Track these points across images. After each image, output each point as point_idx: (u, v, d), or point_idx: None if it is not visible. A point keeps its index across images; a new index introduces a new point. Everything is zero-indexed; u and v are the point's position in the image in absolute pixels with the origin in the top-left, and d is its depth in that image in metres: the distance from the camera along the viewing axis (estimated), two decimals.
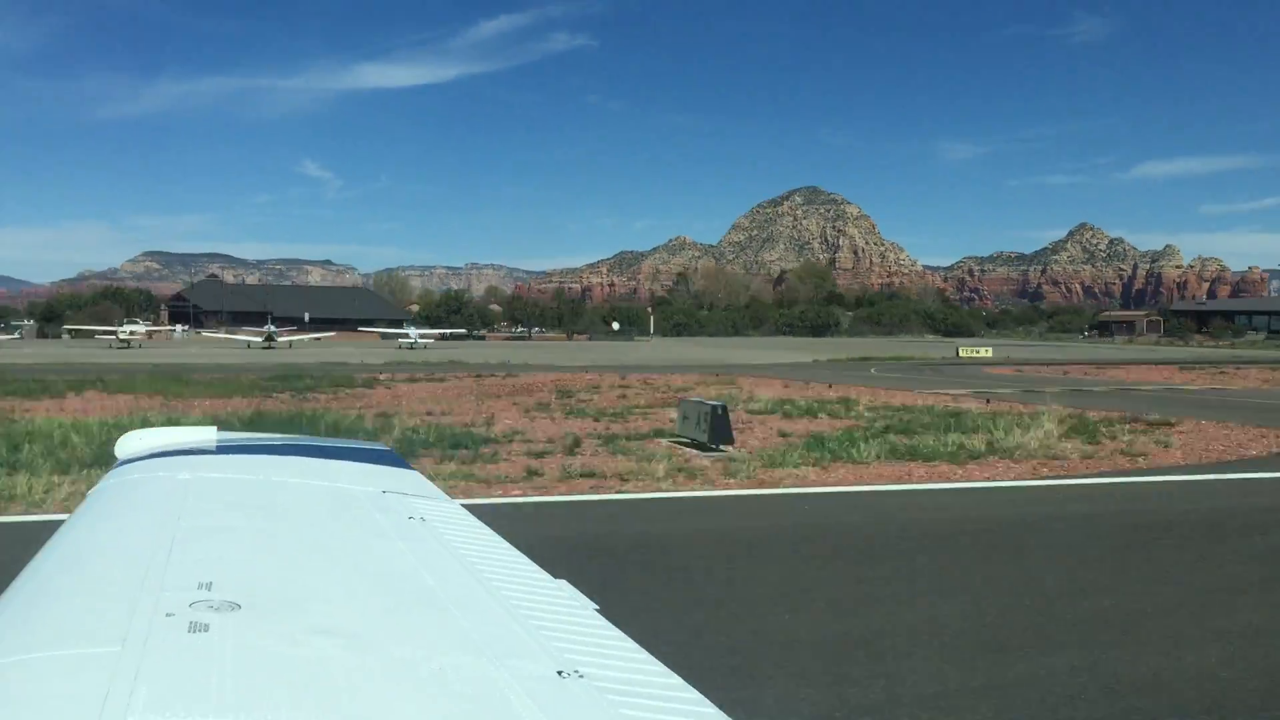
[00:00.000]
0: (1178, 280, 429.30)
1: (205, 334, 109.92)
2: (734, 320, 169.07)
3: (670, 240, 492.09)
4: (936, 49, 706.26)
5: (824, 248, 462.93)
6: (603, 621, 2.39)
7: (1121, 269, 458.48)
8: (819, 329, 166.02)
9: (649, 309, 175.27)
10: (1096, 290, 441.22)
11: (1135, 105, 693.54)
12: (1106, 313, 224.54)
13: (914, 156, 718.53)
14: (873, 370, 54.54)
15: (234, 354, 72.04)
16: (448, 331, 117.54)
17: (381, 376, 41.14)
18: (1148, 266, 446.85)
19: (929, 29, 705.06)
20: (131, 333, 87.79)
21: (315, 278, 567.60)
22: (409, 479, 3.97)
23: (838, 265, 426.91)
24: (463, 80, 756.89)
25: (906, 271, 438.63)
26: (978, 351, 79.74)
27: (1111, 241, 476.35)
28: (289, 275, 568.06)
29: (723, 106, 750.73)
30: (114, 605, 2.02)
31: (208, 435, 4.33)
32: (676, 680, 2.03)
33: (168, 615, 1.95)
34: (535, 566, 2.81)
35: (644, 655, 2.15)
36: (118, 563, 2.42)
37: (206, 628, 1.91)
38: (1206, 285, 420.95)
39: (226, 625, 1.94)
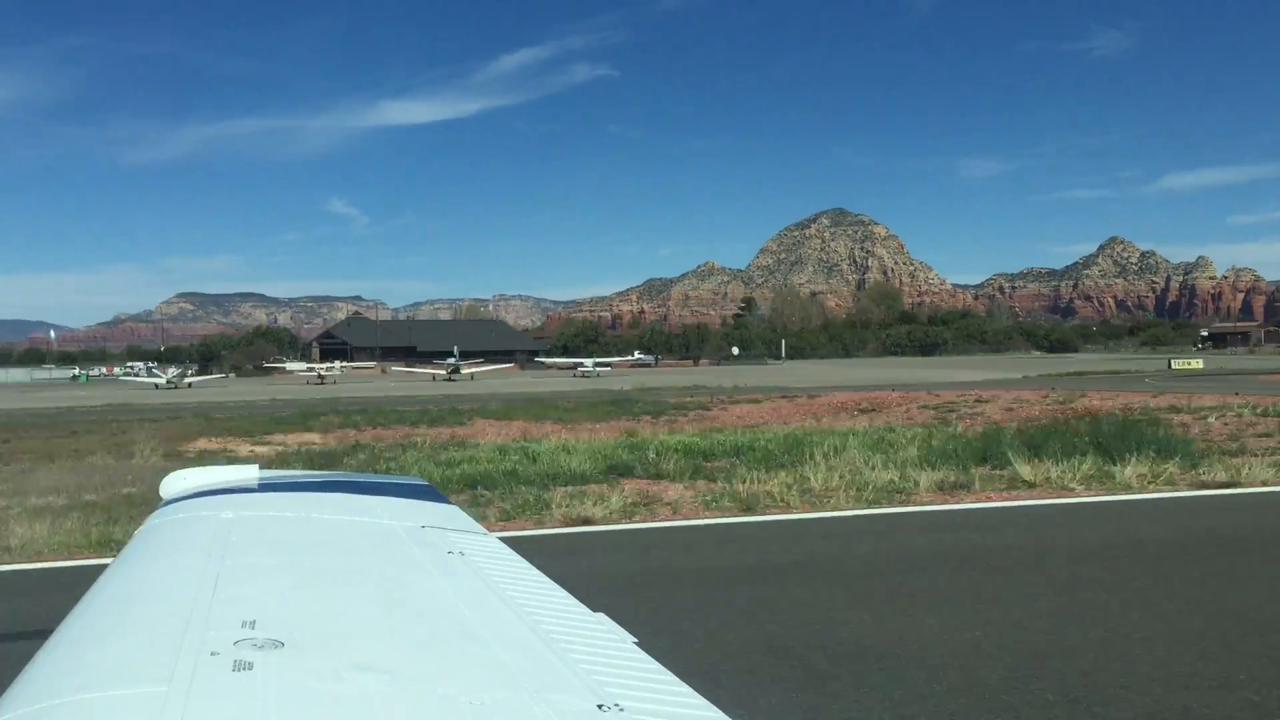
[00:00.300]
0: (1212, 292, 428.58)
1: (396, 369, 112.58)
2: (842, 342, 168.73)
3: (699, 266, 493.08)
4: (955, 66, 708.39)
5: (853, 269, 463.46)
6: (643, 655, 2.39)
7: (1154, 281, 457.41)
8: (927, 348, 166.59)
9: (766, 328, 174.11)
10: (1129, 304, 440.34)
11: (1157, 117, 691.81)
12: (1219, 324, 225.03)
13: (937, 174, 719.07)
14: (1146, 380, 54.19)
15: (434, 387, 74.72)
16: (638, 358, 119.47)
17: (690, 400, 42.59)
18: (1180, 279, 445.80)
19: (946, 46, 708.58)
20: (329, 369, 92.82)
21: (344, 313, 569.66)
22: (447, 513, 4.01)
23: (867, 286, 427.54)
24: (485, 114, 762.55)
25: (937, 290, 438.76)
26: (1190, 364, 78.65)
27: (1143, 254, 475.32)
28: (319, 312, 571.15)
29: (744, 131, 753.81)
30: (160, 645, 2.04)
31: (249, 474, 4.40)
32: (718, 714, 2.02)
33: (212, 654, 1.98)
34: (573, 600, 2.83)
35: (685, 689, 2.16)
36: (163, 602, 2.44)
37: (251, 666, 1.93)
38: (1241, 296, 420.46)
39: (270, 663, 1.95)
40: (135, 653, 2.06)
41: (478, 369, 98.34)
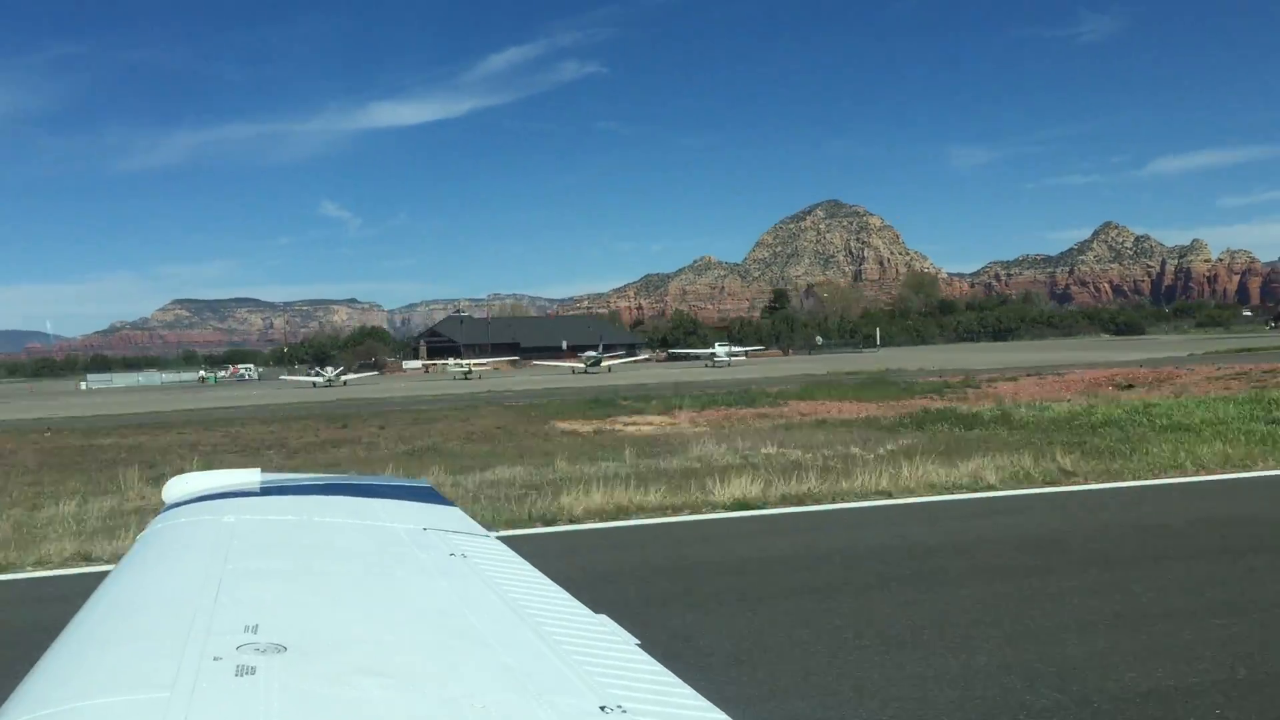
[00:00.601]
0: (1208, 274, 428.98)
1: (536, 363, 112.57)
2: (917, 329, 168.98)
3: (695, 260, 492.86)
4: (944, 55, 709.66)
5: (849, 260, 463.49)
6: (645, 656, 2.39)
7: (1150, 266, 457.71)
8: (1000, 334, 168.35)
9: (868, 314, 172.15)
10: (1125, 289, 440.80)
11: (1145, 102, 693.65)
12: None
13: (929, 164, 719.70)
14: None
15: (571, 379, 75.06)
16: (754, 349, 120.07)
17: (947, 381, 43.95)
18: (1176, 262, 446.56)
19: (934, 35, 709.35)
20: (472, 366, 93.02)
21: (342, 316, 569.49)
22: (449, 515, 4.00)
23: (863, 277, 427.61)
24: (475, 114, 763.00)
25: (933, 280, 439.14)
26: None
27: (1138, 239, 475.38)
28: (315, 315, 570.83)
29: (735, 125, 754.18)
30: (163, 650, 2.04)
31: (251, 477, 4.39)
32: (720, 715, 2.02)
33: (215, 659, 1.97)
34: (576, 601, 2.82)
35: (687, 690, 2.16)
36: (166, 607, 2.44)
37: (253, 670, 1.92)
38: (1237, 278, 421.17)
39: (273, 667, 1.95)
40: (138, 658, 2.06)
41: (615, 361, 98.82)
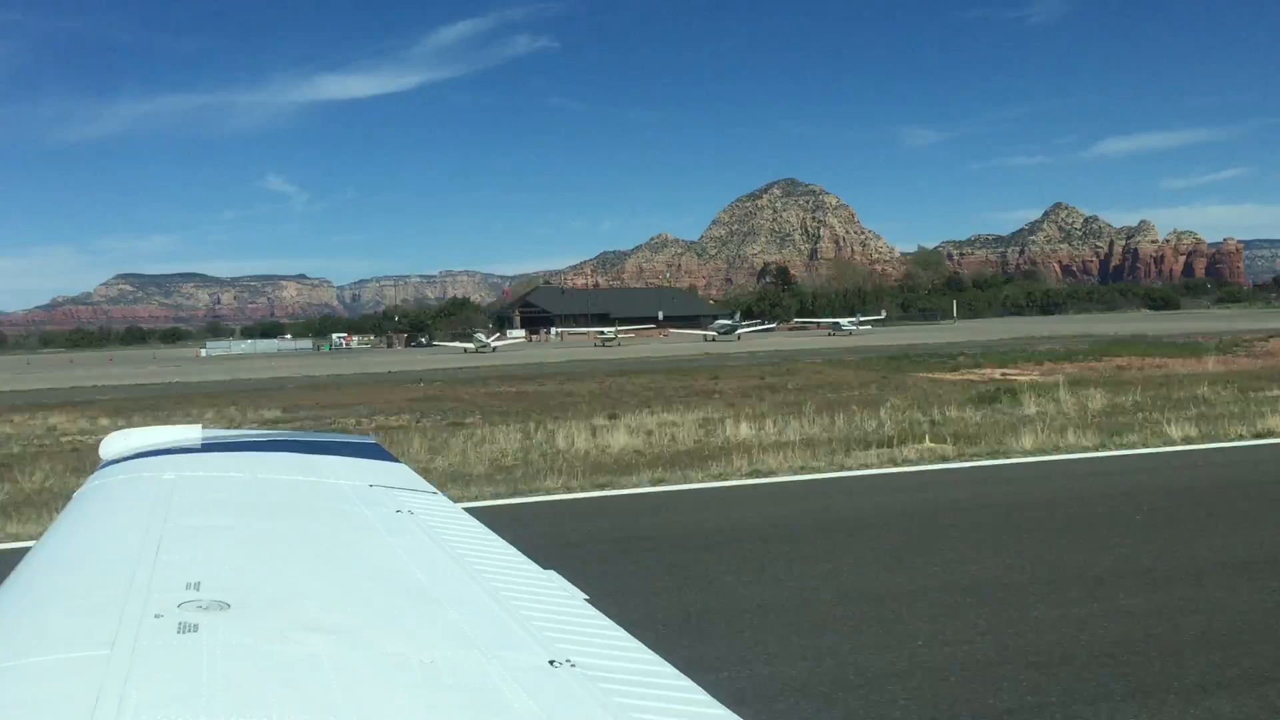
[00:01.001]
0: (1154, 255, 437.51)
1: (673, 332, 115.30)
2: (968, 302, 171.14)
3: (652, 238, 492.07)
4: (894, 34, 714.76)
5: (805, 239, 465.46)
6: (593, 611, 2.39)
7: (1098, 246, 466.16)
8: (1047, 308, 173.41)
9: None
10: (1074, 269, 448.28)
11: (1092, 84, 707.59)
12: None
13: (881, 144, 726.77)
14: None
15: (707, 347, 77.87)
16: (877, 318, 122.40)
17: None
18: (1124, 243, 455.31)
19: (886, 15, 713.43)
20: (616, 333, 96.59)
21: (291, 292, 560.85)
22: (396, 472, 3.95)
23: (819, 255, 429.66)
24: (425, 88, 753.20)
25: (887, 258, 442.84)
26: None
27: (1087, 219, 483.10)
28: (264, 291, 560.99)
29: (689, 103, 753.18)
30: (102, 608, 2.00)
31: (192, 434, 4.28)
32: (669, 668, 2.03)
33: (156, 616, 1.93)
34: (524, 557, 2.80)
35: (635, 644, 2.17)
36: (105, 565, 2.39)
37: (196, 628, 1.89)
38: (1183, 259, 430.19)
39: (216, 625, 1.92)
40: (76, 616, 1.98)
41: (746, 330, 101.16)
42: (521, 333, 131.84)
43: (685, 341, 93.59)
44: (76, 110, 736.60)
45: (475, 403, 32.00)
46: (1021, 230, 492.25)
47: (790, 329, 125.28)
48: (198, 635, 1.85)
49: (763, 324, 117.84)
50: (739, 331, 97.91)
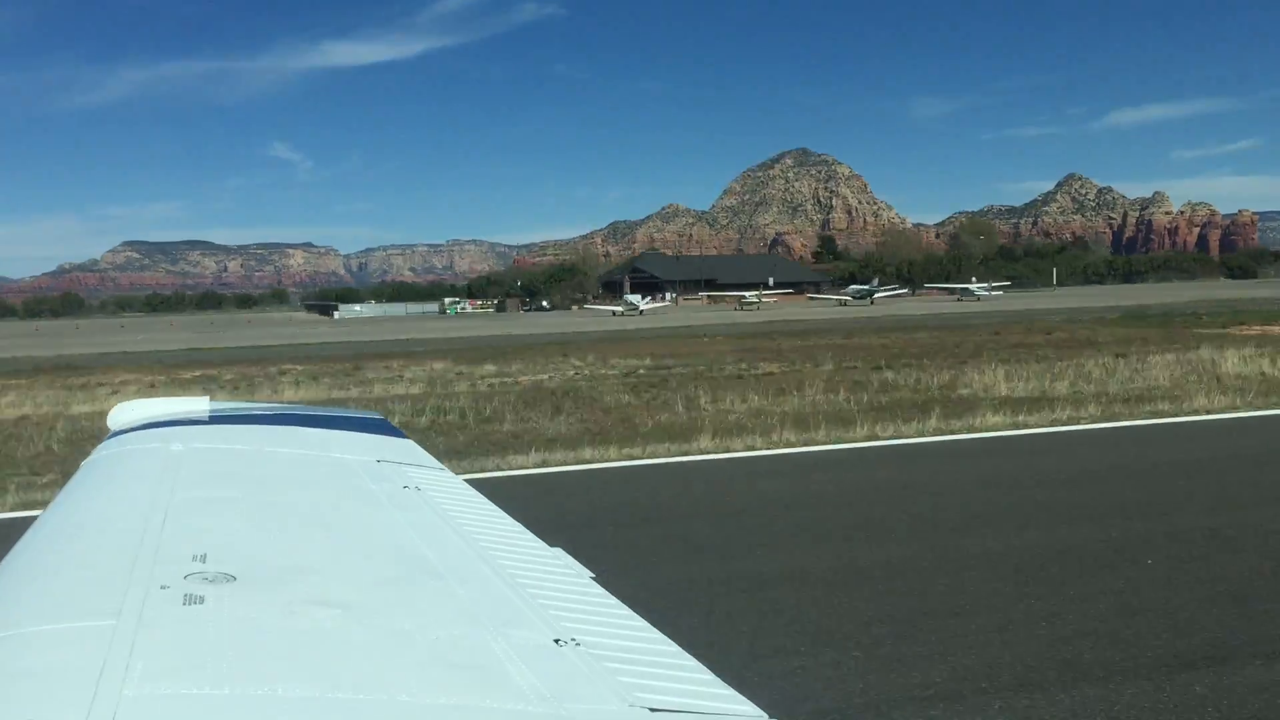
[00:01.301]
0: (1168, 226, 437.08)
1: (811, 297, 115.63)
2: (1047, 269, 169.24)
3: (663, 208, 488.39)
4: (904, 3, 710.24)
5: (817, 209, 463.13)
6: (599, 590, 2.39)
7: (1111, 217, 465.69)
8: (1128, 276, 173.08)
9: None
10: (1088, 240, 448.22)
11: (1103, 54, 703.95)
12: None
13: (893, 115, 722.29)
14: None
15: (842, 311, 79.32)
16: (1002, 284, 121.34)
17: None
18: (1137, 214, 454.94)
19: None
20: (759, 297, 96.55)
21: (298, 260, 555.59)
22: (403, 448, 3.90)
23: (831, 225, 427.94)
24: (430, 55, 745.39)
25: (900, 229, 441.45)
26: None
27: (1100, 190, 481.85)
28: (271, 259, 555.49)
29: (699, 72, 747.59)
30: (109, 579, 2.00)
31: (200, 405, 4.23)
32: (673, 647, 2.03)
33: (163, 588, 1.94)
34: (531, 535, 2.79)
35: (640, 622, 2.17)
36: (111, 536, 2.37)
37: (202, 600, 1.89)
38: (1198, 230, 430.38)
39: (222, 597, 1.92)
40: (82, 586, 1.99)
41: (881, 294, 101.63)
42: (669, 296, 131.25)
43: (819, 306, 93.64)
44: (80, 77, 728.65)
45: (815, 355, 31.18)
46: (1035, 201, 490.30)
47: (927, 294, 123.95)
48: (204, 607, 1.84)
49: (896, 289, 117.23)
50: (875, 296, 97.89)
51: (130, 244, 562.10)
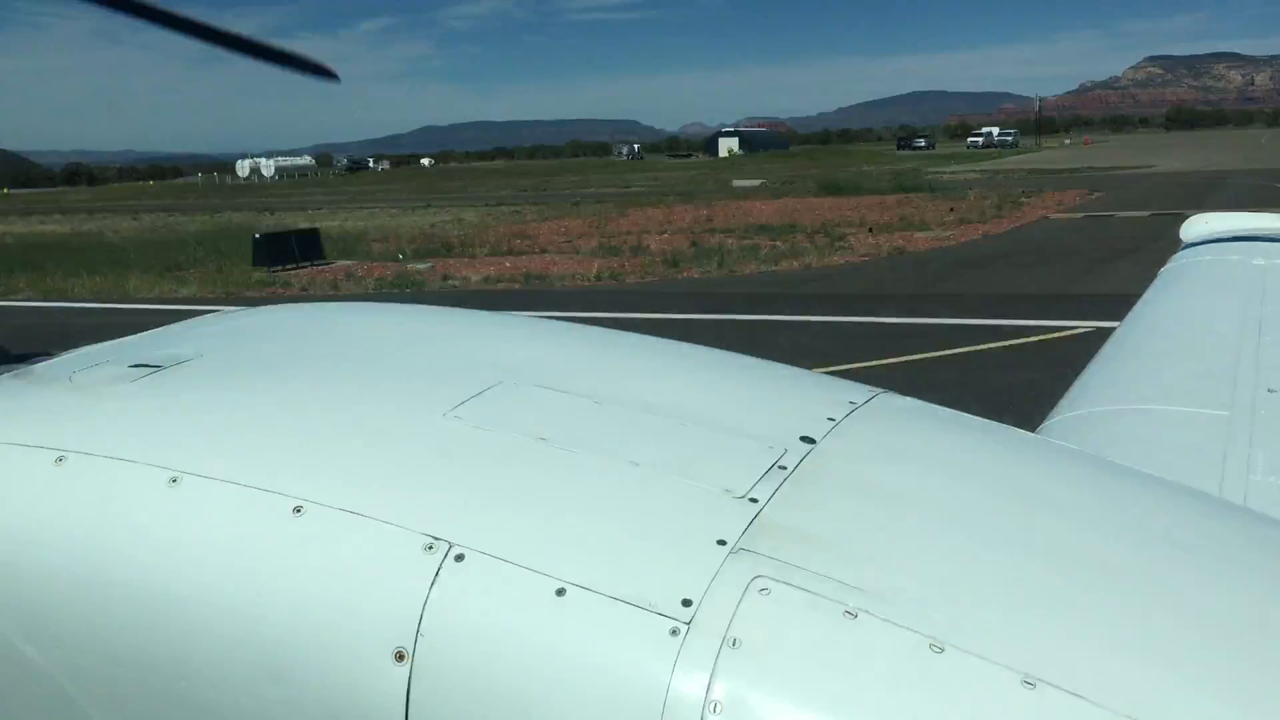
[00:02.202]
0: None
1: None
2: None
3: None
4: None
5: None
6: None
7: None
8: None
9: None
10: None
11: None
12: None
13: None
14: None
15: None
16: None
17: None
18: None
19: None
20: None
21: None
22: None
23: None
24: None
25: None
26: None
27: None
28: None
29: None
30: (1211, 374, 2.12)
31: (1276, 223, 3.97)
32: None
33: (1269, 391, 1.99)
34: None
35: None
36: (1202, 337, 2.52)
37: None
38: None
39: None
40: (1189, 377, 2.15)
41: None
42: None
43: None
44: None
45: None
46: None
47: None
48: None
49: None
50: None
51: (1152, 59, 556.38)
